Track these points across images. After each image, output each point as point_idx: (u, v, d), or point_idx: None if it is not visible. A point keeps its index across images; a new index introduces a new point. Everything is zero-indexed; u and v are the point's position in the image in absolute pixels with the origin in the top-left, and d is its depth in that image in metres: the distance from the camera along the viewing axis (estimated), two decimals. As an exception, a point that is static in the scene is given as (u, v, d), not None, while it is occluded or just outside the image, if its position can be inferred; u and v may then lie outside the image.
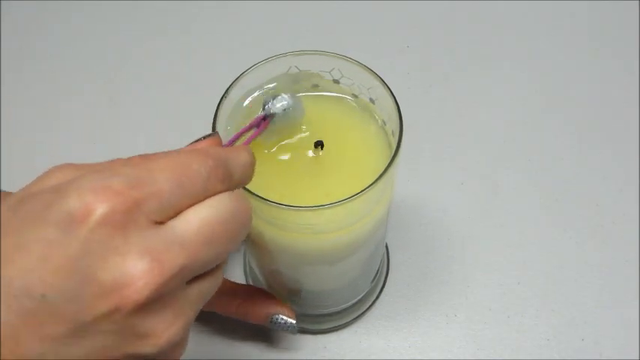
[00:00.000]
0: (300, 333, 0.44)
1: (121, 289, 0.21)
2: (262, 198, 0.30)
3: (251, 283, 0.46)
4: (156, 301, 0.22)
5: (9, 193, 0.25)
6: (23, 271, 0.21)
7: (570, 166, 0.52)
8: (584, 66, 0.58)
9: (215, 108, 0.33)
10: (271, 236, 0.34)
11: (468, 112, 0.55)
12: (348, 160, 0.35)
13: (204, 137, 0.28)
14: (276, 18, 0.62)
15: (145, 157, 0.25)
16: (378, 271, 0.44)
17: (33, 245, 0.21)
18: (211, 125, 0.32)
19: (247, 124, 0.32)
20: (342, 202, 0.29)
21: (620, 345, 0.43)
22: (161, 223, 0.23)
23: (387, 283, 0.46)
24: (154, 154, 0.25)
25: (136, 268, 0.22)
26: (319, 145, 0.34)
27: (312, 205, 0.29)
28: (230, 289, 0.40)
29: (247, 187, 0.30)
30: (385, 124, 0.35)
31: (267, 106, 0.33)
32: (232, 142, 0.30)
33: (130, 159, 0.25)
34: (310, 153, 0.35)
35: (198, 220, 0.23)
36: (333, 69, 0.35)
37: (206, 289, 0.25)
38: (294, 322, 0.39)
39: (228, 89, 0.33)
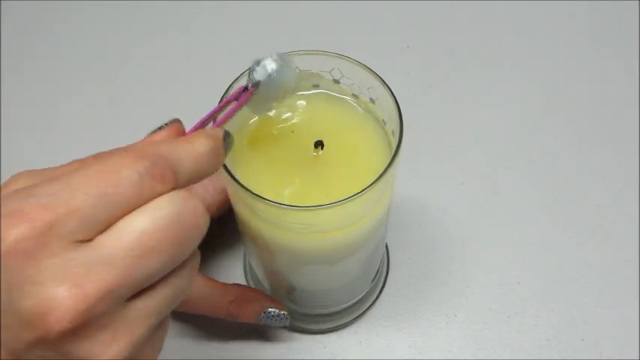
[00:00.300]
0: (300, 333, 0.44)
1: (42, 319, 0.20)
2: (263, 198, 0.30)
3: (251, 283, 0.46)
4: (85, 325, 0.21)
5: None
6: None
7: (570, 166, 0.52)
8: (584, 66, 0.58)
9: (214, 108, 0.33)
10: (271, 236, 0.34)
11: (468, 112, 0.55)
12: (348, 160, 0.35)
13: (164, 125, 0.26)
14: (276, 18, 0.62)
15: (71, 168, 0.23)
16: (378, 271, 0.44)
17: None
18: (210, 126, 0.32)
19: (224, 100, 0.29)
20: (342, 202, 0.29)
21: (620, 345, 0.43)
22: (89, 240, 0.21)
23: (387, 283, 0.46)
24: (84, 163, 0.23)
25: (55, 296, 0.20)
26: (319, 145, 0.34)
27: (312, 205, 0.29)
28: (219, 291, 0.39)
29: (248, 186, 0.30)
30: (385, 124, 0.35)
31: (250, 75, 0.30)
32: (204, 123, 0.28)
33: (57, 169, 0.23)
34: (310, 153, 0.34)
35: (130, 231, 0.21)
36: (333, 69, 0.35)
37: (158, 301, 0.23)
38: (285, 312, 0.39)
39: (228, 89, 0.33)
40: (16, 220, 0.20)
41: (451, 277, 0.46)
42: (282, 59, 0.30)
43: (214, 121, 0.29)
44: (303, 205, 0.30)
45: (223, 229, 0.46)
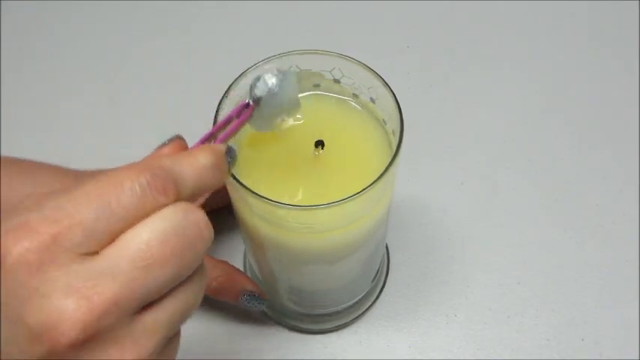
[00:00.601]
0: (300, 333, 0.44)
1: (49, 332, 0.20)
2: (264, 197, 0.30)
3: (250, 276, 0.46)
4: (93, 338, 0.21)
5: None
6: None
7: (570, 166, 0.52)
8: (584, 66, 0.58)
9: (215, 108, 0.33)
10: (271, 235, 0.34)
11: (468, 112, 0.55)
12: (348, 160, 0.35)
13: (167, 142, 0.26)
14: (276, 18, 0.62)
15: (77, 180, 0.23)
16: (378, 271, 0.44)
17: None
18: (212, 125, 0.32)
19: (226, 116, 0.29)
20: (342, 201, 0.29)
21: (620, 345, 0.43)
22: (95, 253, 0.21)
23: (386, 283, 0.46)
24: (89, 175, 0.23)
25: (61, 309, 0.20)
26: (320, 144, 0.34)
27: (313, 204, 0.29)
28: (207, 265, 0.39)
29: (248, 185, 0.30)
30: (385, 124, 0.35)
31: (252, 91, 0.29)
32: (205, 141, 0.27)
33: (63, 180, 0.23)
34: (311, 152, 0.34)
35: (134, 243, 0.22)
36: (334, 68, 0.35)
37: (166, 315, 0.23)
38: (262, 297, 0.40)
39: (228, 89, 0.33)
40: (22, 233, 0.21)
41: (451, 277, 0.46)
42: (283, 74, 0.30)
43: (215, 140, 0.28)
44: (303, 204, 0.30)
45: (223, 226, 0.46)
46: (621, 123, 0.54)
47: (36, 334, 0.20)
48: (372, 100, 0.35)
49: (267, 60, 0.34)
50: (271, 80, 0.29)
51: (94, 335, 0.21)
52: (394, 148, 0.32)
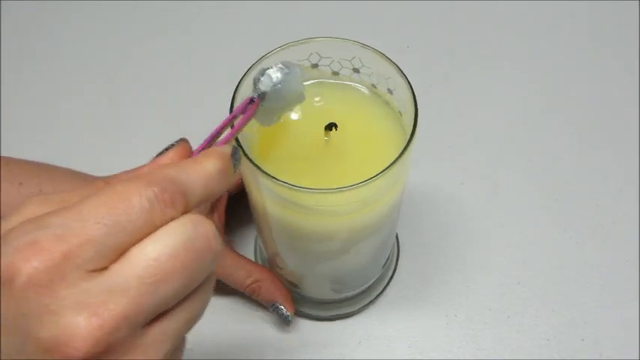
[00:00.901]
0: (309, 319, 0.44)
1: (61, 347, 0.21)
2: (282, 181, 0.30)
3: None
4: (104, 352, 0.21)
5: None
6: None
7: (570, 166, 0.52)
8: (584, 66, 0.58)
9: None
10: (287, 219, 0.34)
11: (468, 112, 0.55)
12: (363, 148, 0.35)
13: (170, 147, 0.26)
14: (276, 18, 0.62)
15: (81, 194, 0.23)
16: (388, 258, 0.45)
17: None
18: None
19: (231, 113, 0.28)
20: (360, 184, 0.29)
21: (620, 345, 0.43)
22: (103, 269, 0.21)
23: (397, 270, 0.46)
24: (94, 188, 0.24)
25: (72, 325, 0.21)
26: (330, 127, 0.34)
27: (333, 187, 0.30)
28: (243, 271, 0.42)
29: (264, 168, 0.30)
30: (402, 115, 0.36)
31: (256, 85, 0.29)
32: (212, 139, 0.27)
33: (66, 195, 0.23)
34: (325, 138, 0.35)
35: (142, 259, 0.22)
36: (354, 57, 0.36)
37: (174, 326, 0.23)
38: (290, 314, 0.42)
39: (244, 75, 0.33)
40: (32, 251, 0.21)
41: (451, 277, 0.46)
42: (288, 67, 0.29)
43: (220, 137, 0.28)
44: (319, 187, 0.30)
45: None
46: (621, 123, 0.54)
47: (47, 350, 0.21)
48: (390, 92, 0.36)
49: (287, 45, 0.34)
50: (276, 75, 0.29)
51: (105, 350, 0.21)
52: (408, 137, 0.32)
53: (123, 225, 0.22)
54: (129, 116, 0.55)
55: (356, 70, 0.36)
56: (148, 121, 0.55)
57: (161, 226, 0.22)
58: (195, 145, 0.27)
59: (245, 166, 0.31)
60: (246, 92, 0.34)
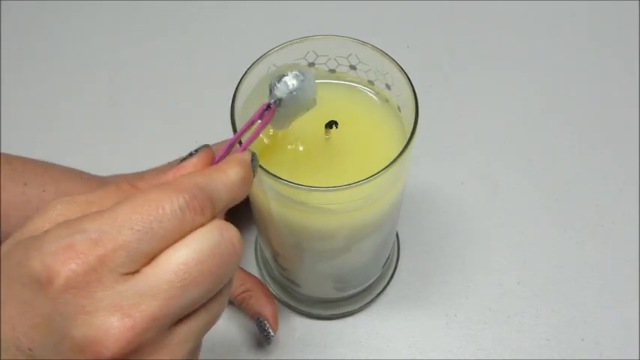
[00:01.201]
0: (310, 318, 0.44)
1: (94, 346, 0.22)
2: (284, 180, 0.30)
3: (262, 268, 0.46)
4: (134, 351, 0.22)
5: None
6: (9, 326, 0.22)
7: (570, 166, 0.52)
8: (584, 66, 0.58)
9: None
10: (288, 218, 0.34)
11: (468, 112, 0.55)
12: (363, 146, 0.35)
13: (194, 152, 0.27)
14: (276, 18, 0.62)
15: (111, 198, 0.24)
16: (388, 257, 0.45)
17: (11, 302, 0.23)
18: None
19: (249, 119, 0.30)
20: (361, 182, 0.30)
21: (620, 345, 0.43)
22: (135, 272, 0.23)
23: (397, 269, 0.46)
24: (123, 194, 0.25)
25: (106, 325, 0.22)
26: (330, 126, 0.34)
27: (333, 185, 0.30)
28: (237, 278, 0.42)
29: (265, 166, 0.30)
30: (400, 111, 0.36)
31: (272, 92, 0.30)
32: (231, 145, 0.28)
33: (91, 196, 0.25)
34: (324, 136, 0.35)
35: (172, 264, 0.23)
36: (351, 54, 0.36)
37: (198, 326, 0.25)
38: (272, 334, 0.42)
39: (244, 75, 0.33)
40: (69, 255, 0.22)
41: (451, 277, 0.46)
42: (303, 74, 0.30)
43: (240, 143, 0.29)
44: (318, 185, 0.30)
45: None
46: (621, 123, 0.54)
47: (81, 347, 0.22)
48: (388, 87, 0.36)
49: (284, 45, 0.35)
50: (292, 82, 0.30)
51: (135, 349, 0.22)
52: (408, 134, 0.32)
53: (155, 231, 0.23)
54: (129, 116, 0.55)
55: (353, 67, 0.37)
56: (148, 121, 0.55)
57: (190, 231, 0.24)
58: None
59: None
60: (246, 92, 0.34)
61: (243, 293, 0.42)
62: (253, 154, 0.28)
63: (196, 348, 0.26)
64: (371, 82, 0.37)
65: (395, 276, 0.46)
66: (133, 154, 0.52)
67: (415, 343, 0.44)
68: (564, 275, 0.46)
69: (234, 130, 0.32)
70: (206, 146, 0.27)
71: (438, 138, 0.53)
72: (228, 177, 0.25)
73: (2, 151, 0.52)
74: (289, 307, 0.45)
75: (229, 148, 0.28)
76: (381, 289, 0.45)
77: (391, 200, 0.35)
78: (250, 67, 0.34)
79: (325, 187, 0.30)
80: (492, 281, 0.46)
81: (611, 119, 0.54)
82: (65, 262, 0.22)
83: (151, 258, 0.23)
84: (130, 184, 0.26)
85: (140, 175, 0.44)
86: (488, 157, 0.52)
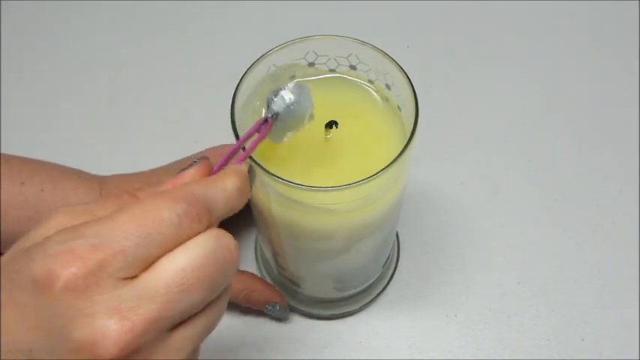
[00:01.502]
0: (310, 318, 0.44)
1: (92, 348, 0.22)
2: (284, 179, 0.30)
3: (262, 268, 0.46)
4: (132, 354, 0.23)
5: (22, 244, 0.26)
6: (9, 327, 0.23)
7: (570, 166, 0.52)
8: (584, 66, 0.58)
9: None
10: (289, 218, 0.34)
11: (468, 112, 0.55)
12: (363, 146, 0.35)
13: (192, 164, 0.28)
14: (276, 18, 0.62)
15: (115, 207, 0.25)
16: (388, 257, 0.45)
17: (11, 304, 0.23)
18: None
19: (246, 132, 0.30)
20: (361, 182, 0.30)
21: (620, 345, 0.43)
22: (134, 277, 0.23)
23: (397, 269, 0.46)
24: (122, 200, 0.25)
25: (104, 327, 0.22)
26: (330, 126, 0.34)
27: (333, 185, 0.30)
28: (236, 279, 0.42)
29: (265, 166, 0.30)
30: (400, 110, 0.36)
31: (269, 106, 0.31)
32: (229, 158, 0.29)
33: (92, 206, 0.25)
34: (324, 136, 0.35)
35: (170, 269, 0.23)
36: (351, 54, 0.36)
37: (196, 331, 0.25)
38: (285, 306, 0.43)
39: (244, 75, 0.33)
40: (69, 259, 0.22)
41: (451, 277, 0.46)
42: (300, 88, 0.31)
43: (244, 149, 0.30)
44: (323, 186, 0.30)
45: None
46: (621, 123, 0.54)
47: (79, 349, 0.22)
48: (388, 87, 0.36)
49: (284, 45, 0.35)
50: (288, 96, 0.30)
51: (133, 351, 0.23)
52: (408, 134, 0.32)
53: (153, 237, 0.23)
54: (129, 116, 0.55)
55: (353, 67, 0.37)
56: (148, 121, 0.55)
57: (187, 239, 0.24)
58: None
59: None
60: (246, 92, 0.34)
61: (244, 291, 0.42)
62: (251, 168, 0.28)
63: (195, 352, 0.26)
64: (371, 82, 0.37)
65: (395, 276, 0.46)
66: (133, 154, 0.52)
67: (415, 343, 0.44)
68: (564, 275, 0.46)
69: (234, 130, 0.32)
70: (205, 158, 0.28)
71: (438, 138, 0.53)
72: (225, 187, 0.26)
73: (2, 151, 0.52)
74: (289, 307, 0.45)
75: (228, 159, 0.29)
76: (381, 289, 0.45)
77: (391, 200, 0.35)
78: (250, 67, 0.34)
79: (325, 187, 0.30)
80: (492, 281, 0.46)
81: (611, 119, 0.54)
82: (66, 266, 0.22)
83: (149, 264, 0.23)
84: (130, 193, 0.26)
85: (141, 176, 0.44)
86: (489, 157, 0.52)
